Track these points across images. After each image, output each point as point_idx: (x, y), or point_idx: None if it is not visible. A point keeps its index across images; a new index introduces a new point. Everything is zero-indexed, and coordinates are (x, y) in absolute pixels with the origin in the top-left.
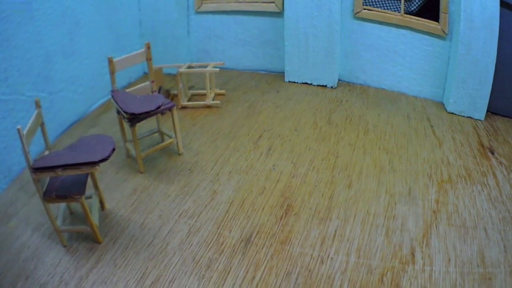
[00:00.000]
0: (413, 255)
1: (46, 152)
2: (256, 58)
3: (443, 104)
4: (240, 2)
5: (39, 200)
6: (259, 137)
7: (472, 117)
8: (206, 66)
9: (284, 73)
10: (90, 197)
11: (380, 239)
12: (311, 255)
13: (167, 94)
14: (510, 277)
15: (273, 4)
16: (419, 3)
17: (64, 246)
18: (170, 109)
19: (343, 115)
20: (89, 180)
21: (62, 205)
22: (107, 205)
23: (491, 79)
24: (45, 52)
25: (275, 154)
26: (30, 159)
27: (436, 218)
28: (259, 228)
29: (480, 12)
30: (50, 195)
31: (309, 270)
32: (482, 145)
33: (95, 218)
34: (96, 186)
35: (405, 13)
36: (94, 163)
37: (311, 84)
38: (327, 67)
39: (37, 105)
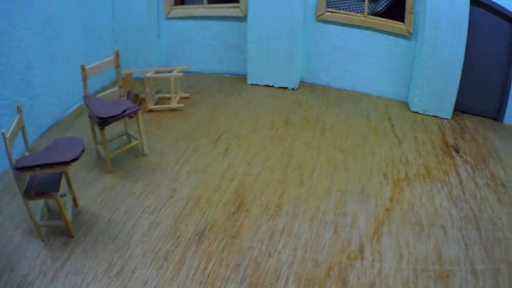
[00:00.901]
0: (362, 251)
1: (27, 154)
2: (221, 62)
3: (407, 104)
4: (207, 7)
5: (21, 199)
6: (218, 138)
7: (438, 116)
8: (172, 71)
9: (246, 76)
10: (64, 195)
11: (329, 235)
12: (260, 248)
13: (136, 98)
14: (472, 275)
15: (237, 9)
16: (385, 4)
17: (43, 241)
18: (135, 112)
19: (301, 116)
20: (64, 180)
21: (41, 203)
22: (80, 203)
23: (458, 78)
24: (26, 58)
25: (231, 154)
26: (13, 160)
27: (389, 216)
28: (213, 223)
29: (447, 12)
30: (29, 193)
31: (257, 263)
32: (447, 144)
33: (68, 214)
34: (69, 185)
35: (372, 14)
36: (66, 163)
37: (272, 86)
38: (288, 69)
39: (19, 110)
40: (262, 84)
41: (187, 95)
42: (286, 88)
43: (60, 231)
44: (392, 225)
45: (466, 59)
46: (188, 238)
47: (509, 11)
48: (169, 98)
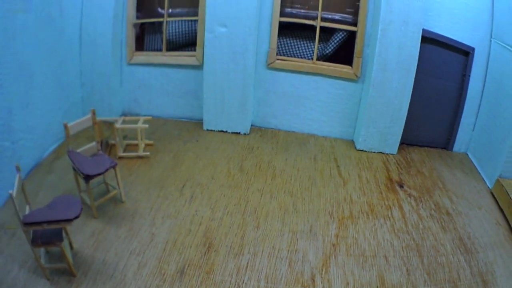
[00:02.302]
0: (313, 280)
1: (27, 207)
2: (178, 107)
3: (353, 142)
4: (165, 55)
5: (19, 240)
6: (183, 186)
7: (383, 152)
8: (137, 121)
9: (203, 121)
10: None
11: (284, 268)
12: (230, 281)
13: (107, 144)
14: None
15: (194, 58)
16: (334, 46)
17: (48, 280)
18: (114, 167)
19: (253, 162)
20: None
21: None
22: (74, 245)
23: (404, 117)
24: (7, 104)
25: (197, 201)
26: (21, 216)
27: (335, 250)
28: (189, 262)
29: (396, 54)
30: (36, 242)
31: None
32: (391, 180)
33: (69, 257)
34: (66, 232)
35: (321, 55)
36: (70, 220)
37: (226, 131)
38: (241, 116)
39: (18, 169)
40: (217, 129)
41: (151, 142)
42: (239, 133)
43: (62, 271)
44: (339, 258)
45: (415, 94)
46: (172, 275)
47: (462, 44)
48: (136, 145)
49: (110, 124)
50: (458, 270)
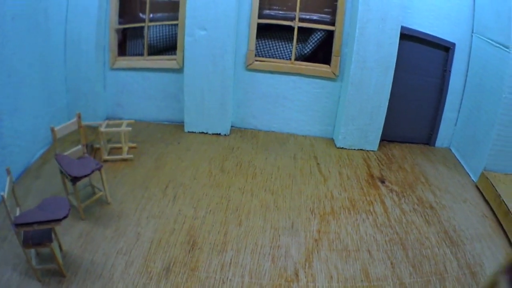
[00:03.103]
0: (297, 275)
1: (17, 209)
2: (160, 110)
3: (333, 140)
4: (147, 60)
5: (10, 244)
6: (166, 187)
7: (364, 149)
8: (120, 124)
9: (184, 123)
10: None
11: (268, 264)
12: (215, 277)
13: (92, 148)
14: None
15: (174, 61)
16: (312, 46)
17: (39, 281)
18: (99, 169)
19: (234, 162)
20: None
21: (32, 250)
22: (63, 247)
23: (384, 113)
24: None
25: (179, 201)
26: (12, 217)
27: (317, 245)
28: (175, 259)
29: (375, 52)
30: (28, 242)
31: None
32: (372, 176)
33: (59, 258)
34: (55, 233)
35: (299, 56)
36: (59, 220)
37: (207, 133)
38: (221, 117)
39: (8, 172)
40: (198, 131)
41: (134, 145)
42: (219, 134)
43: (52, 272)
44: (321, 253)
45: (395, 90)
46: (158, 272)
47: (442, 40)
48: (119, 148)
49: (94, 129)
50: (444, 262)
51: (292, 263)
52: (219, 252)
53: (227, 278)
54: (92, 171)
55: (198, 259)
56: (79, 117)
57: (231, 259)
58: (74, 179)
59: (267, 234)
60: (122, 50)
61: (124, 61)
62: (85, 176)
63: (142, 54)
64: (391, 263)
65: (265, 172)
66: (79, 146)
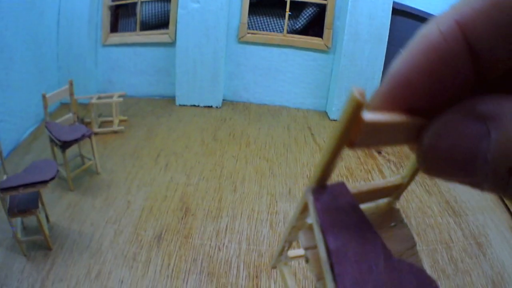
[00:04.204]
0: (297, 240)
1: (4, 176)
2: (151, 85)
3: (327, 113)
4: (138, 35)
5: None
6: (158, 155)
7: None
8: (112, 97)
9: (175, 97)
10: (39, 213)
11: (266, 230)
12: (210, 245)
13: (82, 123)
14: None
15: (167, 35)
16: (304, 22)
17: (25, 255)
18: (89, 136)
19: (226, 132)
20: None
21: (19, 222)
22: (51, 219)
23: (377, 86)
24: None
25: (171, 169)
26: None
27: None
28: (166, 227)
29: (367, 24)
30: (13, 210)
31: (210, 256)
32: None
33: (45, 227)
34: (42, 204)
35: (291, 31)
36: (46, 182)
37: (198, 106)
38: (213, 90)
39: None
40: (189, 104)
41: (125, 118)
42: (211, 106)
43: (39, 246)
44: None
45: (387, 66)
46: (149, 241)
47: (433, 16)
48: (111, 121)
49: (85, 106)
50: (449, 232)
51: None
52: (213, 218)
53: (223, 244)
54: (83, 136)
55: (191, 226)
56: (71, 84)
57: (226, 225)
58: (64, 145)
59: (264, 200)
60: (115, 28)
61: (116, 37)
62: (75, 141)
63: (134, 29)
64: None
65: (258, 141)
66: (70, 114)
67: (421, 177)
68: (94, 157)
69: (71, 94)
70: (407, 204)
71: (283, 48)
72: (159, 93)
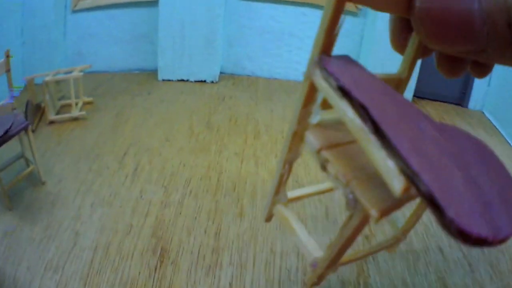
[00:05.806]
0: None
1: None
2: (128, 57)
3: None
4: None
5: None
6: (125, 154)
7: None
8: (72, 72)
9: (157, 70)
10: None
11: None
12: None
13: (38, 108)
14: None
15: None
16: None
17: None
18: (24, 130)
19: (226, 116)
20: None
21: None
22: None
23: (418, 63)
24: None
25: (142, 176)
26: None
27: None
28: (131, 285)
29: None
30: None
31: None
32: None
33: None
34: None
35: None
36: None
37: (187, 80)
38: (207, 59)
39: None
40: (176, 79)
41: (90, 99)
42: (204, 81)
43: None
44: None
45: None
46: None
47: None
48: (71, 105)
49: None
50: None
51: None
52: (208, 269)
53: None
54: (7, 133)
55: (171, 284)
56: (8, 55)
57: (230, 283)
58: None
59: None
60: None
61: (88, 0)
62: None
63: None
64: None
65: (272, 130)
66: (3, 101)
67: None
68: (34, 161)
69: (7, 70)
70: None
71: (299, 6)
72: (139, 66)
